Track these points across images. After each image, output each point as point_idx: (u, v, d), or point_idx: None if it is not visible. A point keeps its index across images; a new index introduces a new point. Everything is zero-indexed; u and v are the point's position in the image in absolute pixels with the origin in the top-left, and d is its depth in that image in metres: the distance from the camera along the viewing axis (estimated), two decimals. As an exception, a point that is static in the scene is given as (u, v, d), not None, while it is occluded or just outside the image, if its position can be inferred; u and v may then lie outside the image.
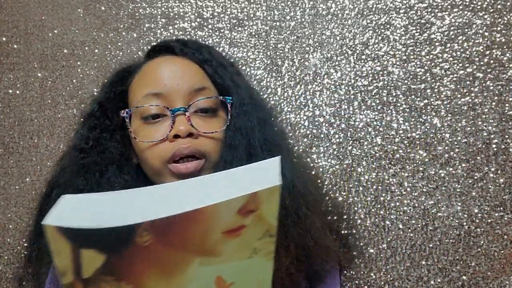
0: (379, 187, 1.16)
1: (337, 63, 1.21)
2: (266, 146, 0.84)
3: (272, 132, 0.87)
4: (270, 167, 0.61)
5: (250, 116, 0.85)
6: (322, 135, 1.19)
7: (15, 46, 1.31)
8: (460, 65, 1.17)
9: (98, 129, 0.86)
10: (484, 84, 1.16)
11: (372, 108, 1.19)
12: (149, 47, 1.03)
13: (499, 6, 1.17)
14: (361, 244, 1.15)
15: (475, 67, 1.17)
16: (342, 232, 1.10)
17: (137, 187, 0.82)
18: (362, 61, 1.20)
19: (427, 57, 1.18)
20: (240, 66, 1.23)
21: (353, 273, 1.15)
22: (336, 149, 1.19)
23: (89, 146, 0.85)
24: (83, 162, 0.84)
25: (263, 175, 0.59)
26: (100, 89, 0.89)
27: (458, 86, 1.17)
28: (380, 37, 1.20)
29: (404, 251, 1.14)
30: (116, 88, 0.87)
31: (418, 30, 1.19)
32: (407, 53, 1.19)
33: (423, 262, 1.14)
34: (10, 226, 1.25)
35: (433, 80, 1.17)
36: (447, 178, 1.15)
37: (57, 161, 0.91)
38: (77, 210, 0.57)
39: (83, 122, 0.89)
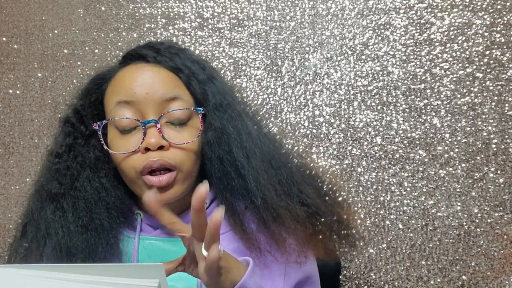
0: (379, 187, 1.17)
1: (337, 63, 1.21)
2: (251, 156, 0.82)
3: (257, 141, 0.85)
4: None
5: (226, 127, 0.83)
6: (322, 135, 1.20)
7: (15, 46, 1.31)
8: (460, 65, 1.17)
9: (72, 136, 0.88)
10: (484, 84, 1.16)
11: (372, 108, 1.19)
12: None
13: (499, 6, 1.17)
14: (361, 244, 1.15)
15: (475, 67, 1.17)
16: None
17: (115, 189, 0.84)
18: (362, 61, 1.20)
19: (427, 57, 1.18)
20: (240, 66, 1.23)
21: (353, 273, 1.15)
22: (336, 149, 1.19)
23: (63, 151, 0.87)
24: (57, 167, 0.86)
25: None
26: (76, 95, 0.90)
27: (458, 86, 1.17)
28: (380, 37, 1.20)
29: (404, 251, 1.14)
30: (91, 96, 0.89)
31: (418, 30, 1.19)
32: (407, 53, 1.19)
33: (423, 262, 1.14)
34: (10, 226, 1.25)
35: (433, 80, 1.18)
36: (447, 178, 1.15)
37: (40, 167, 0.93)
38: None
39: (59, 128, 0.90)
